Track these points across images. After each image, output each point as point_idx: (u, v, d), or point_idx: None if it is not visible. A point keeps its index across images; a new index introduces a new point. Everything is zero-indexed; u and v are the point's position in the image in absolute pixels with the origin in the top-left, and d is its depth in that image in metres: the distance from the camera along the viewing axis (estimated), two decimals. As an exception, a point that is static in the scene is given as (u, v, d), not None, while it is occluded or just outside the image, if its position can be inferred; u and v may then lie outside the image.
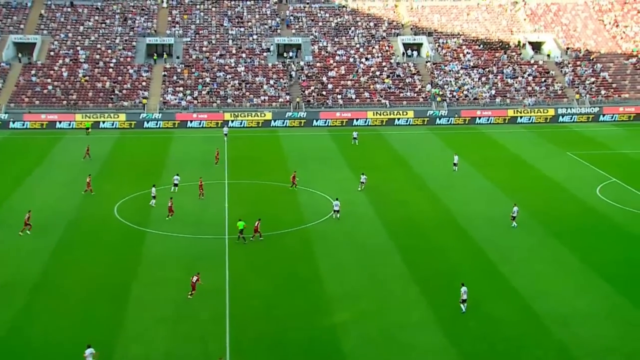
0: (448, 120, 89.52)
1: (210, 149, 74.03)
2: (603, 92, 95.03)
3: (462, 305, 37.33)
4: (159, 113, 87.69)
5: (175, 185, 57.60)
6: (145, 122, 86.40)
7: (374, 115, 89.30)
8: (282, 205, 55.63)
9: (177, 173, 59.50)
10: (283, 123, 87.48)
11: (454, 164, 66.40)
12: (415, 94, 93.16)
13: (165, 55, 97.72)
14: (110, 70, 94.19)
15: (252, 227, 47.25)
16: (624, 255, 45.78)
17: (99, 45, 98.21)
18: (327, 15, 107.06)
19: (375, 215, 53.03)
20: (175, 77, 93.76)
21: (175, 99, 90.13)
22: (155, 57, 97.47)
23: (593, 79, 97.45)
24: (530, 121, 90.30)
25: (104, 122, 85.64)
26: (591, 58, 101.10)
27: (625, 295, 39.57)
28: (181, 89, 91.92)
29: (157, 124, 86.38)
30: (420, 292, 39.93)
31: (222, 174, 64.06)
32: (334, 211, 51.58)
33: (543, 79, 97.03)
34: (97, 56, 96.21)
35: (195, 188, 57.81)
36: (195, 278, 39.12)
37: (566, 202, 56.80)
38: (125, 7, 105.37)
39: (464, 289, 37.45)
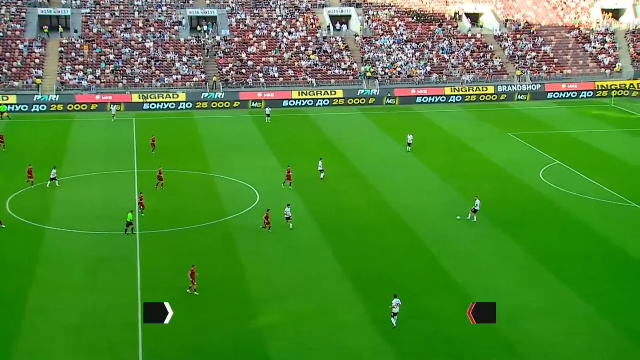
0: (380, 100, 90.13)
1: (115, 136, 72.80)
2: (545, 67, 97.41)
3: (392, 320, 36.09)
4: (56, 95, 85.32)
5: (53, 179, 56.17)
6: (40, 105, 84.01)
7: (299, 95, 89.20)
8: (199, 196, 55.01)
9: (55, 166, 57.82)
10: (199, 105, 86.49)
11: (408, 144, 68.13)
12: (344, 72, 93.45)
13: (61, 29, 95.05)
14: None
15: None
16: (569, 245, 47.12)
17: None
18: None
19: (304, 207, 52.90)
20: (74, 54, 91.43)
21: (75, 79, 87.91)
22: (46, 31, 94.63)
23: (534, 54, 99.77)
24: (468, 100, 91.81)
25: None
26: (532, 31, 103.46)
27: (573, 288, 40.74)
28: (81, 67, 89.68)
29: (54, 107, 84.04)
30: (355, 291, 40.10)
31: (130, 163, 62.85)
32: (286, 219, 48.72)
33: (482, 54, 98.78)
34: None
35: (94, 179, 56.46)
36: (190, 271, 39.14)
37: (510, 188, 58.06)
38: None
39: (396, 301, 35.95)
